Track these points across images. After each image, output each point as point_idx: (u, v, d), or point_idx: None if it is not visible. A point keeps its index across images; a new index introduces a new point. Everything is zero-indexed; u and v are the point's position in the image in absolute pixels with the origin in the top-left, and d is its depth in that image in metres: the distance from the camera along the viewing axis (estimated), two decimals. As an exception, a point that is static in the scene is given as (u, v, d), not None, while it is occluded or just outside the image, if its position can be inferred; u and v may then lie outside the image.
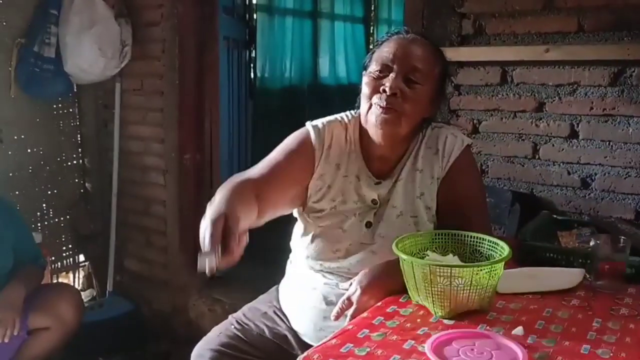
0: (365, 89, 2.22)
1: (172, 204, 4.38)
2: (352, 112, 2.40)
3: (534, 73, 3.01)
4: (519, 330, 1.71)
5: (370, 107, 2.20)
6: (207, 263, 1.72)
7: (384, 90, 2.15)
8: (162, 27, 4.16)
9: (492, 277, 1.81)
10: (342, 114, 2.42)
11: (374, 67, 2.22)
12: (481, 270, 1.78)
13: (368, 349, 1.64)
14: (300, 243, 2.40)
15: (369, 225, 2.27)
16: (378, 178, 2.31)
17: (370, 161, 2.33)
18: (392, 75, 2.16)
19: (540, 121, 3.02)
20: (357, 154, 2.33)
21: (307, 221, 2.37)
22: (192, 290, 4.40)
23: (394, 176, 2.29)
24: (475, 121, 3.19)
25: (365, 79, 2.24)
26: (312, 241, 2.34)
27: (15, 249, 3.48)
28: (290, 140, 2.35)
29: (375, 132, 2.23)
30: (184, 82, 4.18)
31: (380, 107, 2.15)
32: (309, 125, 2.37)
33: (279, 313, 2.47)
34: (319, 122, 2.38)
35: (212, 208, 1.86)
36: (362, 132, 2.32)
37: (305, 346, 2.20)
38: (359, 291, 2.02)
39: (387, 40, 2.28)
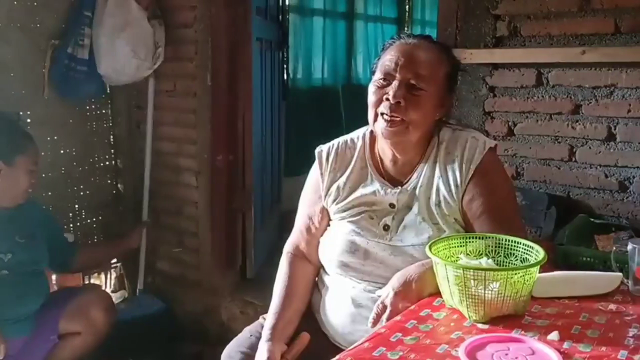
0: (370, 98, 2.25)
1: (204, 205, 4.38)
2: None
3: (570, 75, 2.97)
4: (554, 335, 1.68)
5: (376, 117, 2.23)
6: None
7: (388, 99, 2.16)
8: (196, 29, 4.16)
9: (527, 281, 1.78)
10: (355, 132, 2.49)
11: (378, 75, 2.25)
12: (516, 274, 1.76)
13: (401, 353, 1.62)
14: (322, 246, 2.42)
15: (386, 228, 2.26)
16: (395, 184, 2.31)
17: (386, 167, 2.35)
18: (395, 83, 2.18)
19: (577, 123, 2.98)
20: (367, 167, 2.38)
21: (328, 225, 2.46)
22: (224, 292, 4.41)
23: (412, 182, 2.28)
24: (510, 123, 3.16)
25: (370, 87, 2.27)
26: (330, 244, 2.37)
27: (50, 250, 3.51)
28: (306, 184, 2.54)
29: (384, 142, 2.28)
30: (216, 84, 4.18)
31: (386, 120, 2.18)
32: (316, 151, 2.48)
33: (309, 315, 2.45)
34: (324, 146, 2.48)
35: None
36: (375, 138, 2.37)
37: (336, 349, 2.19)
38: (391, 294, 2.01)
39: (390, 46, 2.30)
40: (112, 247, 4.45)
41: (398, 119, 2.16)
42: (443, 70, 2.25)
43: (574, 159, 3.02)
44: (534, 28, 3.05)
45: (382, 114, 2.19)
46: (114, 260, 4.86)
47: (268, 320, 2.35)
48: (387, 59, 2.23)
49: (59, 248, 3.62)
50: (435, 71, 2.22)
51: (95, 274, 4.80)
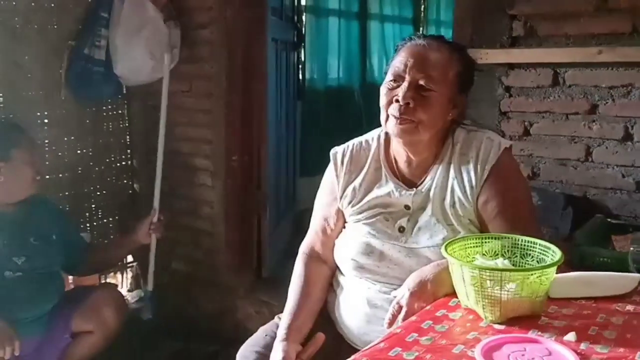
0: (381, 99, 2.26)
1: (219, 205, 4.38)
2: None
3: (586, 75, 2.96)
4: (571, 336, 1.67)
5: (387, 118, 2.24)
6: None
7: (397, 101, 2.17)
8: (211, 30, 4.16)
9: (544, 281, 1.78)
10: (370, 133, 2.49)
11: (388, 77, 2.26)
12: (532, 274, 1.76)
13: (416, 353, 1.62)
14: (338, 247, 2.42)
15: (402, 230, 2.26)
16: (410, 185, 2.31)
17: (400, 168, 2.35)
18: (404, 84, 2.18)
19: (593, 123, 2.97)
20: (382, 168, 2.37)
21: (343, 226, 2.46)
22: (239, 292, 4.41)
23: (427, 183, 2.28)
24: (526, 123, 3.15)
25: (382, 89, 2.27)
26: (345, 245, 2.37)
27: (66, 249, 3.54)
28: (321, 185, 2.54)
29: (396, 142, 2.29)
30: (232, 84, 4.18)
31: (395, 118, 2.19)
32: (331, 153, 2.48)
33: (324, 315, 2.45)
34: (339, 147, 2.49)
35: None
36: (390, 139, 2.37)
37: (351, 349, 2.19)
38: (407, 294, 2.00)
39: (402, 48, 2.30)
40: (122, 244, 4.23)
41: (407, 119, 2.17)
42: (454, 70, 2.24)
43: (590, 159, 3.01)
44: (550, 28, 3.04)
45: (392, 115, 2.20)
46: (130, 260, 4.88)
47: (283, 320, 2.35)
48: (398, 60, 2.24)
49: (73, 249, 3.62)
50: (445, 71, 2.21)
51: (112, 274, 4.82)
